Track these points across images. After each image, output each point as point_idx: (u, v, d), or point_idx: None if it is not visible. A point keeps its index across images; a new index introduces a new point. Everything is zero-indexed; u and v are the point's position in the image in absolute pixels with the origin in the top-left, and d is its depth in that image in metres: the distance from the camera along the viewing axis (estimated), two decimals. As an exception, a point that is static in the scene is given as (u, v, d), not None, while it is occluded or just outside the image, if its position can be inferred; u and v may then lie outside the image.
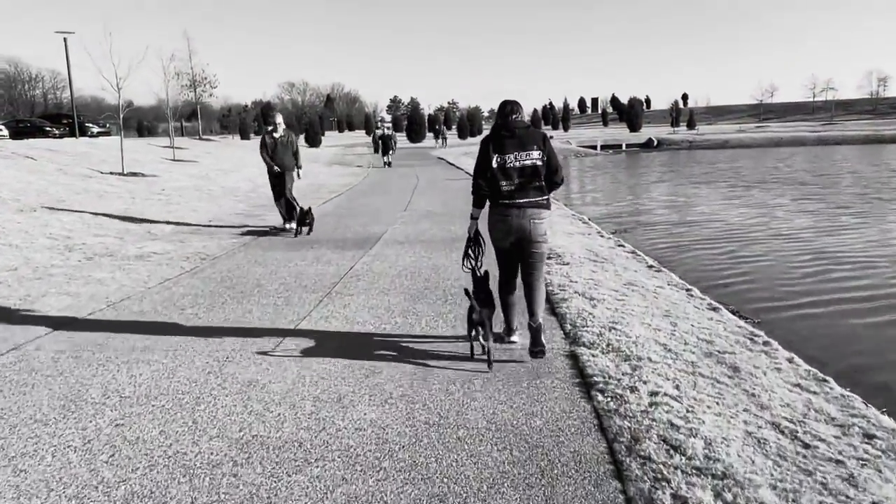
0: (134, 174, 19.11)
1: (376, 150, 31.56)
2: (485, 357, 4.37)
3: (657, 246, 12.37)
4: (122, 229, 10.71)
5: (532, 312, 4.54)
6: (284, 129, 10.61)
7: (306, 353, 4.74)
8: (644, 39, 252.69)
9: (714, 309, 6.13)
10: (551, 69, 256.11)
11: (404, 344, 4.90)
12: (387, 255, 8.57)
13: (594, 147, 64.15)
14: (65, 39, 36.85)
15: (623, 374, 4.15)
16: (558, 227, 11.28)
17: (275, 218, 13.10)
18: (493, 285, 4.73)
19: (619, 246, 9.79)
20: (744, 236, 13.45)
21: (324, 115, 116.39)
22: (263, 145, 10.58)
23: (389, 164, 30.21)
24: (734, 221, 15.61)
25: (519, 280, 4.67)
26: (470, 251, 4.76)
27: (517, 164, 4.38)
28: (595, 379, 4.10)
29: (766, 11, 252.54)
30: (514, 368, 4.36)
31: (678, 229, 14.68)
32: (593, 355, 4.48)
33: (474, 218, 4.67)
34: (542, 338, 4.50)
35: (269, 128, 10.67)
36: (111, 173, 18.67)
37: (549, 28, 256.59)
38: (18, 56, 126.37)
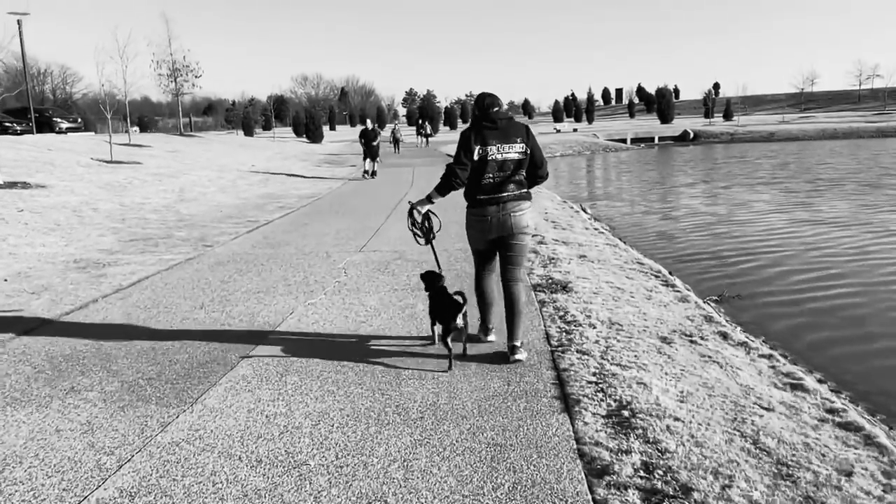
0: (14, 185, 13.95)
1: (366, 156, 20.75)
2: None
3: (803, 335, 6.84)
4: None
5: (511, 332, 4.16)
6: None
7: None
8: (666, 22, 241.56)
9: None
10: (571, 61, 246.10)
11: None
12: (186, 479, 3.17)
13: (623, 140, 58.30)
14: (18, 22, 32.21)
15: None
16: (625, 305, 5.78)
17: (123, 276, 7.60)
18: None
19: (787, 381, 4.21)
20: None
21: (335, 109, 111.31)
22: None
23: (373, 173, 20.50)
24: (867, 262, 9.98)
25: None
26: (416, 228, 4.35)
27: (500, 156, 4.06)
28: None
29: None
30: None
31: (798, 282, 9.10)
32: None
33: (430, 200, 4.21)
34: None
35: None
36: (-17, 184, 13.58)
37: (568, 20, 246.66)
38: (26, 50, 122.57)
